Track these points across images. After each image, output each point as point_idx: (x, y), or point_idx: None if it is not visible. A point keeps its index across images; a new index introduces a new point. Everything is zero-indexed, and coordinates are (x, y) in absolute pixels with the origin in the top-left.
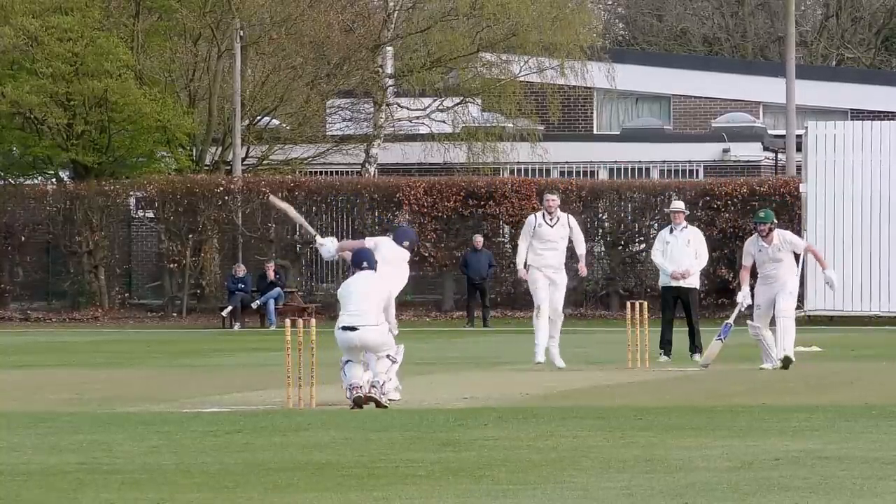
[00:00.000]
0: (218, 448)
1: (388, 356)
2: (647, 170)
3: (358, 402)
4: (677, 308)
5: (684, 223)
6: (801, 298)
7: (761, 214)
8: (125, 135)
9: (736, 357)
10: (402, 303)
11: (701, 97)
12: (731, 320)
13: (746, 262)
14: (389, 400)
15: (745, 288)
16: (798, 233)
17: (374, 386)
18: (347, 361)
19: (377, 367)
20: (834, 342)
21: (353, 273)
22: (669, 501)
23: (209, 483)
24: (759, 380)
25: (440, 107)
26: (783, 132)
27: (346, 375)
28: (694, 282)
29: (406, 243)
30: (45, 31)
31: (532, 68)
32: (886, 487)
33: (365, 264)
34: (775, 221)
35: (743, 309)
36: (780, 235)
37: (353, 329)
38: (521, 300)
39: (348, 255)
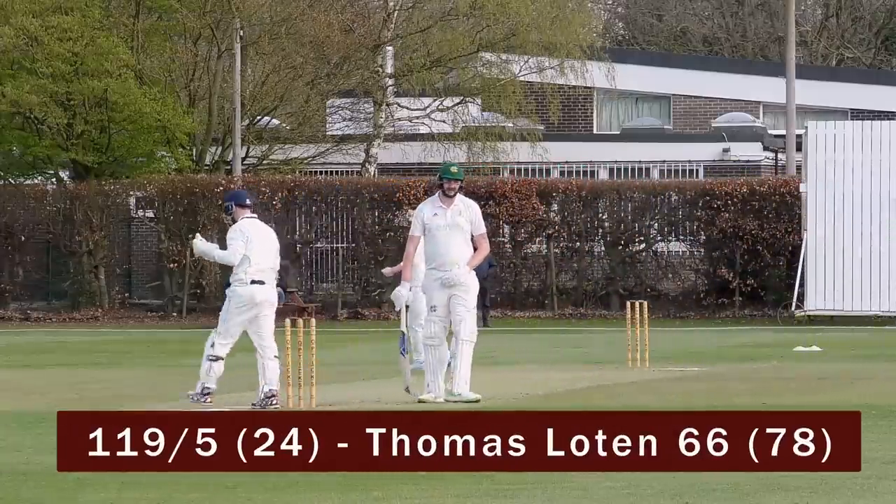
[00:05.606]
0: None
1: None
2: (647, 170)
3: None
4: None
5: None
6: (801, 298)
7: (453, 169)
8: (125, 135)
9: (736, 357)
10: None
11: (701, 97)
12: (403, 327)
13: (415, 230)
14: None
15: (408, 271)
16: (798, 233)
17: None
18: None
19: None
20: (834, 342)
21: None
22: (669, 501)
23: (209, 483)
24: (759, 380)
25: (440, 107)
26: (783, 132)
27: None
28: None
29: None
30: (45, 31)
31: (532, 68)
32: (886, 487)
33: None
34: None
35: (397, 309)
36: (464, 202)
37: None
38: (521, 300)
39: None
